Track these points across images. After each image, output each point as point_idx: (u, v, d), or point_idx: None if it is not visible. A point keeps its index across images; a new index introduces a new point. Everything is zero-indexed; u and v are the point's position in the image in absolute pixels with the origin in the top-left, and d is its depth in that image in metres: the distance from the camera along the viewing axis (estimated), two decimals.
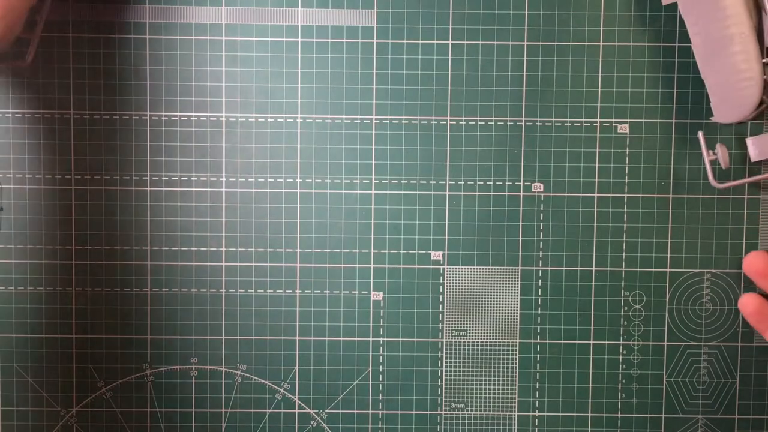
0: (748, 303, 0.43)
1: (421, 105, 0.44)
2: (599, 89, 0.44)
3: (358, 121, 0.44)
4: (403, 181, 0.45)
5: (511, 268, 0.45)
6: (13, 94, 0.44)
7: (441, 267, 0.45)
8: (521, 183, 0.45)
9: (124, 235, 0.45)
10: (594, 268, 0.45)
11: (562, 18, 0.44)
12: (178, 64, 0.44)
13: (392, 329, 0.45)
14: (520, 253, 0.45)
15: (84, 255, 0.45)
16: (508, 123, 0.44)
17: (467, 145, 0.44)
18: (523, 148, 0.44)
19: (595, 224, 0.45)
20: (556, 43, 0.44)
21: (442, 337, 0.45)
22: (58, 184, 0.44)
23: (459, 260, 0.45)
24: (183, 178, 0.44)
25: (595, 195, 0.45)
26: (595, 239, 0.45)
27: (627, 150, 0.45)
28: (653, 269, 0.45)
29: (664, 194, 0.45)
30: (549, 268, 0.45)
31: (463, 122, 0.44)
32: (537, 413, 0.45)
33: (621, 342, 0.45)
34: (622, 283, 0.45)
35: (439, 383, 0.45)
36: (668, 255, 0.45)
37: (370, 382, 0.45)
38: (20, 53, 0.43)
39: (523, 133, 0.44)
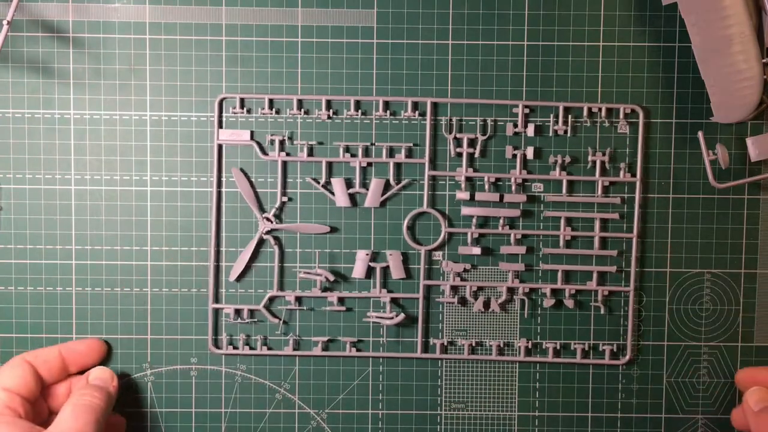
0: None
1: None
2: (599, 89, 0.44)
3: (358, 121, 0.44)
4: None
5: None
6: (13, 94, 0.44)
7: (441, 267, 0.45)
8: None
9: (124, 235, 0.45)
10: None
11: (562, 18, 0.44)
12: (178, 64, 0.44)
13: (392, 329, 0.45)
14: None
15: (84, 255, 0.44)
16: (509, 123, 0.44)
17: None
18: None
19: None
20: (556, 43, 0.44)
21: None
22: (58, 184, 0.44)
23: (459, 260, 0.45)
24: (183, 178, 0.44)
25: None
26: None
27: (627, 150, 0.45)
28: (653, 269, 0.45)
29: (664, 194, 0.45)
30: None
31: (463, 122, 0.44)
32: (537, 413, 0.45)
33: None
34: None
35: (439, 383, 0.45)
36: (668, 255, 0.45)
37: (370, 382, 0.45)
38: None
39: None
